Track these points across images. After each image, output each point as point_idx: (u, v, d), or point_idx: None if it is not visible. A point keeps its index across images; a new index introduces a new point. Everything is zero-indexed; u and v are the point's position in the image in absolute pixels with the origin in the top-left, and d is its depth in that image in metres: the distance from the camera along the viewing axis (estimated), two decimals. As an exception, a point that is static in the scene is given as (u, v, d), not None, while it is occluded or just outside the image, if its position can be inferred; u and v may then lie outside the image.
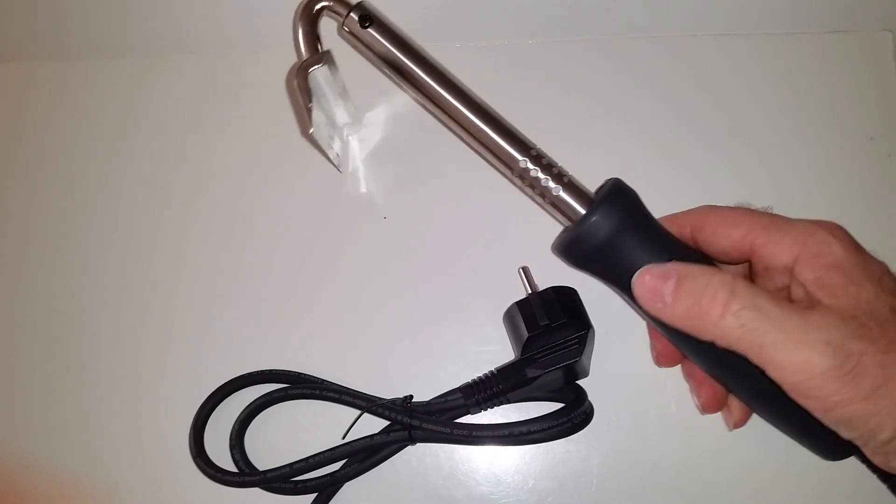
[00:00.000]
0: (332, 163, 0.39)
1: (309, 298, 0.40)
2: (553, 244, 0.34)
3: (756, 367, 0.26)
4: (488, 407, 0.36)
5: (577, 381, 0.37)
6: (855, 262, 0.27)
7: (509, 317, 0.37)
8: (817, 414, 0.26)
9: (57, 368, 0.41)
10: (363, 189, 0.42)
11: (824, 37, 0.43)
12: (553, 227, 0.35)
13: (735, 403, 0.34)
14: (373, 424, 0.36)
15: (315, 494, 0.36)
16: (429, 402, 0.36)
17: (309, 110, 0.33)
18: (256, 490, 0.36)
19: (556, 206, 0.33)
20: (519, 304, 0.36)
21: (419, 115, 0.41)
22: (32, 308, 0.42)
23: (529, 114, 0.41)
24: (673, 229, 0.32)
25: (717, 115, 0.42)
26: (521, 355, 0.35)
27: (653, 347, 0.36)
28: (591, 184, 0.33)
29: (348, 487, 0.37)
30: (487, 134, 0.33)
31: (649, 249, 0.30)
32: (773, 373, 0.26)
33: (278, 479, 0.36)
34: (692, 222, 0.32)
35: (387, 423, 0.36)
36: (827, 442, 0.28)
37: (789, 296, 0.29)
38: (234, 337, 0.40)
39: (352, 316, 0.40)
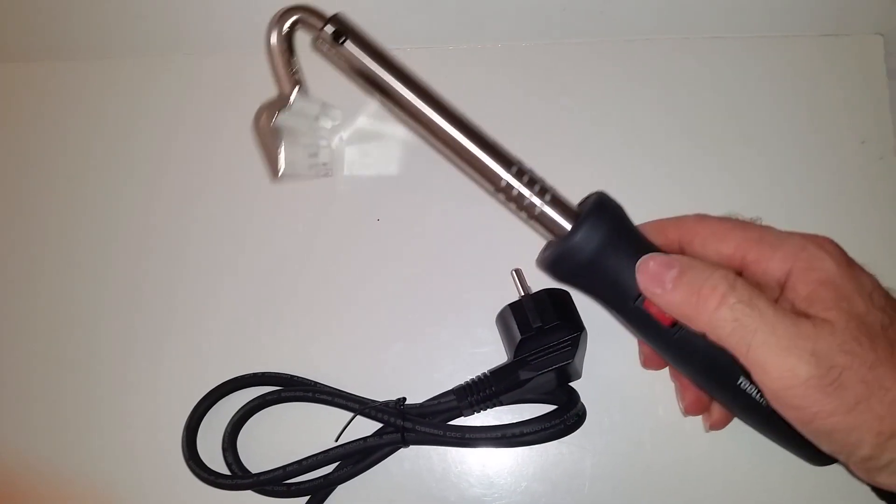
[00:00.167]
0: (319, 175, 0.39)
1: (302, 300, 0.40)
2: (538, 259, 0.34)
3: (741, 372, 0.26)
4: (481, 409, 0.36)
5: (570, 384, 0.37)
6: (846, 278, 0.27)
7: (502, 319, 0.37)
8: (798, 425, 0.26)
9: (54, 369, 0.41)
10: (357, 191, 0.42)
11: (816, 40, 0.43)
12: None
13: (717, 408, 0.35)
14: (366, 427, 0.36)
15: (308, 497, 0.36)
16: (422, 405, 0.36)
17: (276, 156, 0.32)
18: (249, 493, 0.36)
19: (541, 221, 0.32)
20: (512, 306, 0.36)
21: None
22: (31, 309, 0.42)
23: (523, 116, 0.42)
24: (660, 239, 0.31)
25: (710, 116, 0.42)
26: (514, 357, 0.35)
27: (640, 352, 0.37)
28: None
29: (341, 490, 0.37)
30: (469, 150, 0.32)
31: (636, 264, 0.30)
32: (757, 377, 0.26)
33: (271, 482, 0.36)
34: (681, 235, 0.31)
35: (380, 425, 0.36)
36: (810, 449, 0.28)
37: None
38: (228, 339, 0.40)
39: (345, 318, 0.40)
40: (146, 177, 0.43)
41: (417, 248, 0.40)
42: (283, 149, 0.32)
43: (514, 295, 0.36)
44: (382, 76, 0.32)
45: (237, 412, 0.37)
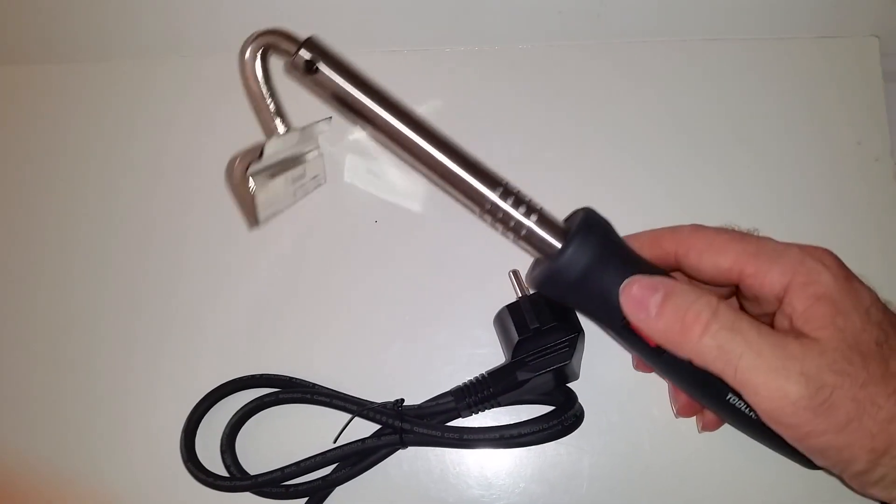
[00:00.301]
0: (309, 193, 0.39)
1: (300, 302, 0.40)
2: (527, 277, 0.33)
3: (730, 389, 0.26)
4: (479, 410, 0.36)
5: (568, 384, 0.37)
6: (843, 292, 0.26)
7: (500, 320, 0.37)
8: (790, 442, 0.26)
9: (54, 369, 0.41)
10: (354, 193, 0.42)
11: (812, 42, 0.43)
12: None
13: (709, 411, 0.35)
14: (364, 428, 0.36)
15: (306, 499, 0.36)
16: (420, 406, 0.36)
17: (252, 205, 0.30)
18: (248, 494, 0.36)
19: (528, 241, 0.31)
20: (509, 307, 0.36)
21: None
22: (31, 309, 0.42)
23: (519, 119, 0.42)
24: (656, 251, 0.31)
25: (706, 117, 0.42)
26: (512, 358, 0.35)
27: (633, 356, 0.37)
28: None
29: (339, 491, 0.37)
30: (452, 172, 0.31)
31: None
32: (749, 397, 0.26)
33: (269, 484, 0.36)
34: (677, 246, 0.30)
35: (378, 426, 0.36)
36: (804, 455, 0.28)
37: (772, 322, 0.29)
38: (227, 341, 0.40)
39: (343, 320, 0.40)
40: (145, 178, 0.43)
41: (415, 250, 0.40)
42: (260, 196, 0.30)
43: (511, 296, 0.36)
44: (360, 100, 0.30)
45: (235, 414, 0.37)
